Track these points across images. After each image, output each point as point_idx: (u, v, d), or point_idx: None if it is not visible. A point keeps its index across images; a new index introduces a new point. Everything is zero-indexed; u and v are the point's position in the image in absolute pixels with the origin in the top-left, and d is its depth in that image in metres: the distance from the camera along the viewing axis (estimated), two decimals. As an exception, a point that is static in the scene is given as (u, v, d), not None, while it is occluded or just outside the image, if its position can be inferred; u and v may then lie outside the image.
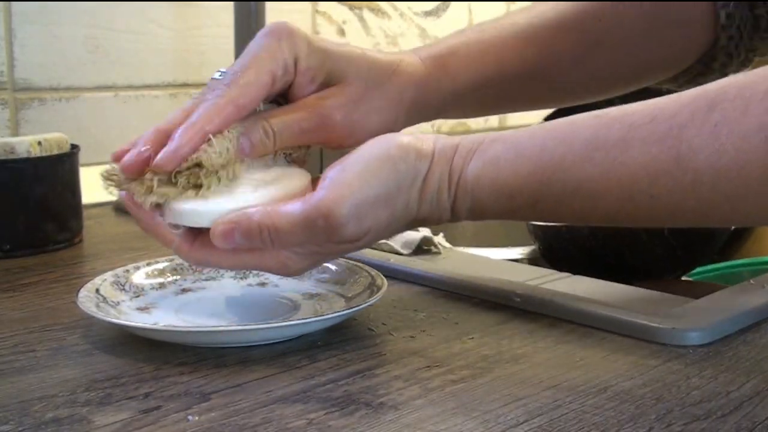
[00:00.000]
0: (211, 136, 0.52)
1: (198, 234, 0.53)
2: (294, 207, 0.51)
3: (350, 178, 0.51)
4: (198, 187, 0.52)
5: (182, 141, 0.52)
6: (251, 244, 0.51)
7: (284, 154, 0.58)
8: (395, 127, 0.61)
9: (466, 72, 0.64)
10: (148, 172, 0.52)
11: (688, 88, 0.67)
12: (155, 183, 0.52)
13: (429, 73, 0.63)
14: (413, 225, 0.55)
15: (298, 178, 0.55)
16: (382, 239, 0.55)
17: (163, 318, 0.56)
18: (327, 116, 0.57)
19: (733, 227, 0.93)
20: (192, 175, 0.52)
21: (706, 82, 0.66)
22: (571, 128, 0.51)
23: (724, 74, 0.66)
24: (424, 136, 0.54)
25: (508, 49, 0.65)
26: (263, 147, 0.55)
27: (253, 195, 0.53)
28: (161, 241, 0.55)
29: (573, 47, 0.66)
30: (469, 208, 0.53)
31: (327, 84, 0.58)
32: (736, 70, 0.66)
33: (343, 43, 0.61)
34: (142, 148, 0.52)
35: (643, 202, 0.49)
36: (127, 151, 0.53)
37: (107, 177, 0.54)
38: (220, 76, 0.55)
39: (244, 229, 0.51)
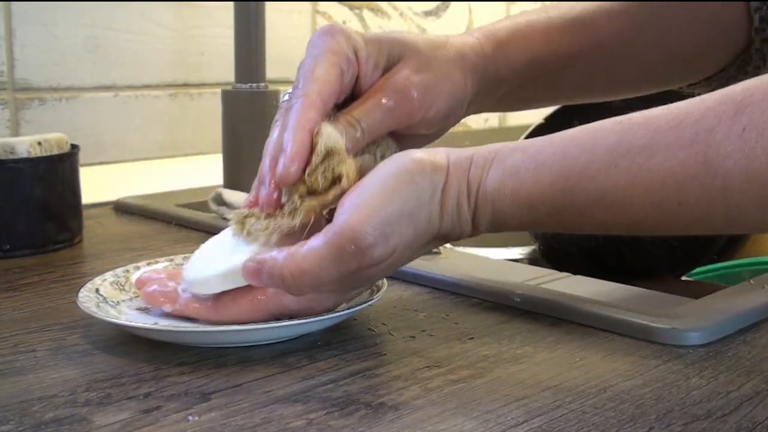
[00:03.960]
0: (320, 125, 0.52)
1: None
2: (316, 242, 0.48)
3: (369, 197, 0.49)
4: (338, 180, 0.51)
5: (294, 143, 0.51)
6: (277, 286, 0.50)
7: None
8: (466, 93, 0.61)
9: (516, 47, 0.64)
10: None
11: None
12: (297, 201, 0.52)
13: (482, 44, 0.63)
14: (436, 242, 0.53)
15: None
16: (406, 261, 0.53)
17: (163, 318, 0.56)
18: (402, 88, 0.57)
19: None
20: (327, 168, 0.52)
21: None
22: (593, 135, 0.50)
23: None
24: (436, 149, 0.53)
25: (556, 31, 0.65)
26: (354, 141, 0.54)
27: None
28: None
29: (621, 31, 0.65)
30: (490, 221, 0.52)
31: (389, 67, 0.58)
32: None
33: (390, 32, 0.62)
34: (269, 181, 0.52)
35: (671, 210, 0.48)
36: (257, 196, 0.54)
37: (244, 225, 0.54)
38: (290, 91, 0.55)
39: (269, 271, 0.49)
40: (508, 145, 0.53)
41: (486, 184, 0.52)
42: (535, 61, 0.64)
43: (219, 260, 0.53)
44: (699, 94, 0.61)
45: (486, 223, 0.53)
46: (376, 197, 0.49)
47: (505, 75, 0.64)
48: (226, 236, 0.56)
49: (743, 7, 0.64)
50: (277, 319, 0.53)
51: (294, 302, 0.51)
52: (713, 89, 0.67)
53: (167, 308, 0.54)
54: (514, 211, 0.51)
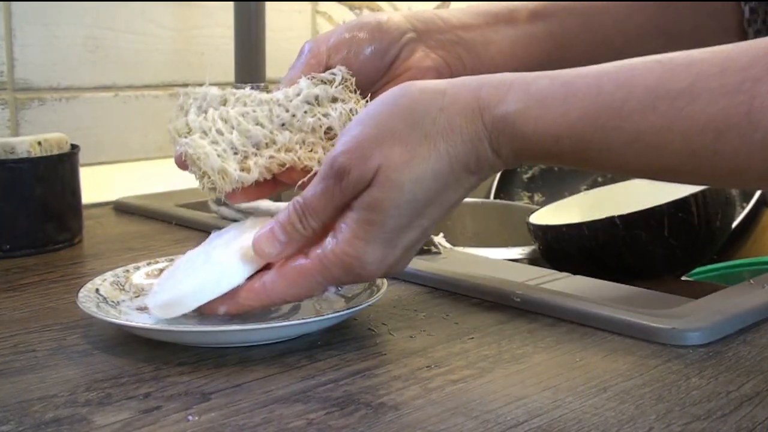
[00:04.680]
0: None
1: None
2: (316, 177, 0.51)
3: (351, 127, 0.51)
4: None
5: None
6: (295, 233, 0.51)
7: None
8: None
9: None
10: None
11: None
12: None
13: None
14: (451, 165, 0.50)
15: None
16: (422, 195, 0.50)
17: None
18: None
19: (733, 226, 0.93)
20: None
21: None
22: (632, 72, 0.47)
23: None
24: (435, 80, 0.53)
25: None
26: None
27: (228, 250, 0.54)
28: None
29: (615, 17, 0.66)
30: (511, 147, 0.50)
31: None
32: None
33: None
34: None
35: (706, 159, 0.46)
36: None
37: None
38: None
39: (280, 223, 0.51)
40: (529, 74, 0.50)
41: (506, 106, 0.49)
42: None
43: (184, 279, 0.54)
44: None
45: (508, 149, 0.50)
46: (356, 126, 0.51)
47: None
48: (180, 264, 0.57)
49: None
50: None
51: (336, 264, 0.51)
52: None
53: (221, 309, 0.53)
54: (536, 140, 0.49)
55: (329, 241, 0.51)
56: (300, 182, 0.56)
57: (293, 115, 0.58)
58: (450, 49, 0.64)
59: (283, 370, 0.50)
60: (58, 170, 0.78)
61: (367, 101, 0.58)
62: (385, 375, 0.49)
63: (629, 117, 0.46)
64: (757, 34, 0.64)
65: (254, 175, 0.56)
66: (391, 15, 0.63)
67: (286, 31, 1.26)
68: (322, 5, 1.31)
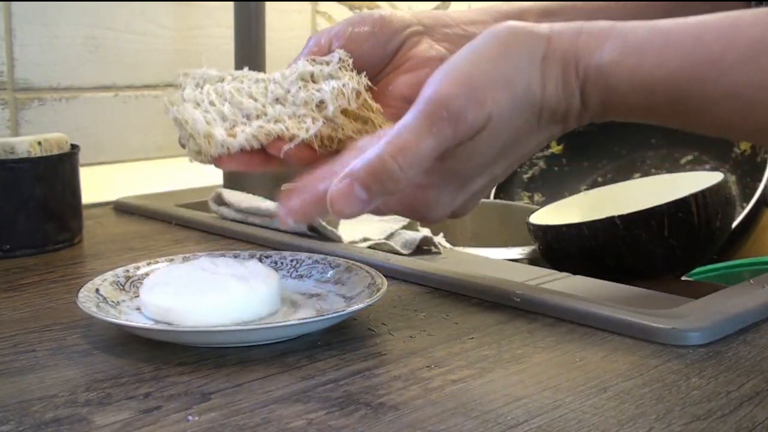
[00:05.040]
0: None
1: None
2: (406, 118, 0.46)
3: (460, 64, 0.47)
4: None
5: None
6: (380, 189, 0.45)
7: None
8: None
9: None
10: None
11: None
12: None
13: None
14: (541, 114, 0.49)
15: (272, 274, 0.57)
16: (509, 139, 0.48)
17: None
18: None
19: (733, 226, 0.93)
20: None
21: None
22: (735, 23, 0.45)
23: None
24: (537, 23, 0.51)
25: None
26: None
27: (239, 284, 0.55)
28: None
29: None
30: (600, 99, 0.48)
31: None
32: None
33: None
34: None
35: None
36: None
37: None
38: None
39: (367, 168, 0.44)
40: (629, 23, 0.48)
41: (601, 56, 0.47)
42: None
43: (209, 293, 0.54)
44: None
45: (596, 100, 0.49)
46: (465, 64, 0.47)
47: None
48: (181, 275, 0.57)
49: None
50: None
51: (400, 206, 0.48)
52: None
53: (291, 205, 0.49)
54: (629, 93, 0.47)
55: None
56: (285, 148, 0.55)
57: (288, 91, 0.58)
58: (456, 41, 0.62)
59: (283, 370, 0.50)
60: (58, 170, 0.78)
61: (363, 77, 0.59)
62: (385, 375, 0.49)
63: (728, 70, 0.45)
64: None
65: (240, 140, 0.55)
66: (396, 11, 0.63)
67: (286, 31, 1.26)
68: (322, 5, 1.31)
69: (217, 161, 0.56)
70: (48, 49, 1.04)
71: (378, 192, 0.45)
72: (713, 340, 0.54)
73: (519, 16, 0.65)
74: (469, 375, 0.49)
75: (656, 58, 0.46)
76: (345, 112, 0.57)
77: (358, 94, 0.58)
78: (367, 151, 0.46)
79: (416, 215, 0.49)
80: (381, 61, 0.62)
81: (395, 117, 0.52)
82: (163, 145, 1.15)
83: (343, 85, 0.58)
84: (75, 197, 0.81)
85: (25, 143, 0.76)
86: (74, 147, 0.81)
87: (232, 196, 0.85)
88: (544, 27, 0.50)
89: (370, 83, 0.59)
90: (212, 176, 0.99)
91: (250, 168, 0.56)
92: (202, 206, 0.91)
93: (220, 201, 0.86)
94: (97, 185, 0.97)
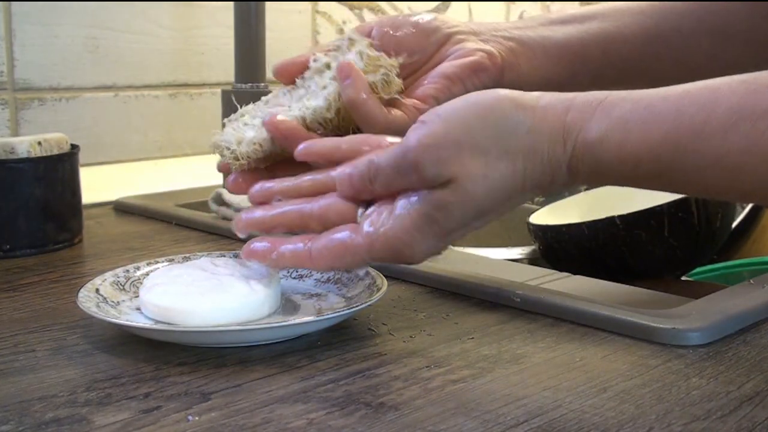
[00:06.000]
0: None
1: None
2: (387, 149, 0.51)
3: (435, 119, 0.50)
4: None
5: None
6: (363, 190, 0.52)
7: None
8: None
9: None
10: None
11: None
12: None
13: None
14: (524, 184, 0.51)
15: (272, 274, 0.58)
16: (489, 205, 0.51)
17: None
18: None
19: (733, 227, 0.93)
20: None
21: None
22: (714, 93, 0.46)
23: None
24: (531, 92, 0.52)
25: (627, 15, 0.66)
26: None
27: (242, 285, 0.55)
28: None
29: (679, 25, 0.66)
30: (589, 171, 0.50)
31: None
32: None
33: None
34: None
35: None
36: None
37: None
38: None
39: (353, 175, 0.52)
40: (614, 93, 0.50)
41: (588, 131, 0.49)
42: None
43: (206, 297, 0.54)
44: None
45: (585, 172, 0.50)
46: (439, 121, 0.50)
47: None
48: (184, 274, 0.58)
49: None
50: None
51: (386, 247, 0.51)
52: None
53: (260, 260, 0.54)
54: (616, 165, 0.49)
55: (384, 221, 0.51)
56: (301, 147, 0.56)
57: (308, 87, 0.61)
58: (502, 42, 0.64)
59: (283, 370, 0.50)
60: (58, 170, 0.78)
61: (371, 43, 0.61)
62: (385, 375, 0.49)
63: (710, 139, 0.46)
64: None
65: (263, 134, 0.58)
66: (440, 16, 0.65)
67: (286, 31, 1.26)
68: (322, 5, 1.31)
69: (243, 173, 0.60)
70: (48, 49, 1.04)
71: (360, 188, 0.52)
72: (713, 340, 0.54)
73: (563, 19, 0.66)
74: (469, 375, 0.49)
75: (641, 132, 0.48)
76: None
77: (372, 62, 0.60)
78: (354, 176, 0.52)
79: (399, 257, 0.52)
80: (423, 51, 0.63)
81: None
82: (163, 145, 1.15)
83: (360, 53, 0.59)
84: (75, 197, 0.81)
85: (25, 143, 0.76)
86: (74, 147, 0.81)
87: (232, 196, 0.85)
88: (533, 97, 0.51)
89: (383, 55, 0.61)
90: (212, 176, 0.99)
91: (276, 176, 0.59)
92: (202, 206, 0.91)
93: (220, 201, 0.86)
94: (97, 185, 0.98)
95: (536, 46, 0.65)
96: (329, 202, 0.53)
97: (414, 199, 0.50)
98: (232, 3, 0.96)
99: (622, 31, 0.66)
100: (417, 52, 0.63)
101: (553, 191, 0.53)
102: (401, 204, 0.51)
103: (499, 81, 0.63)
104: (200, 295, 0.54)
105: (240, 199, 0.84)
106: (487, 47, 0.63)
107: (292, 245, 0.53)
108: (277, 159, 0.60)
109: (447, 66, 0.63)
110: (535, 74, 0.65)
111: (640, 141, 0.48)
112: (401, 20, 0.63)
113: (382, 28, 0.63)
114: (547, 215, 0.93)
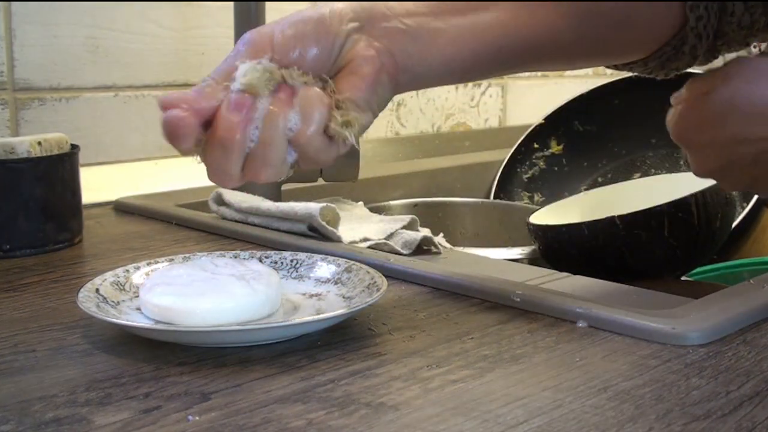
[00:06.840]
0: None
1: None
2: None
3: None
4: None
5: None
6: None
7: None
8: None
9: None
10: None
11: (657, 72, 0.66)
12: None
13: None
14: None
15: (272, 275, 0.58)
16: None
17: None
18: None
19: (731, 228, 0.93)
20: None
21: (676, 66, 0.64)
22: None
23: (694, 58, 0.64)
24: None
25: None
26: None
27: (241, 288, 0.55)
28: None
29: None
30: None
31: None
32: (705, 56, 0.65)
33: None
34: None
35: None
36: None
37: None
38: None
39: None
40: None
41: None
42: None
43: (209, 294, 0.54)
44: (645, 76, 0.62)
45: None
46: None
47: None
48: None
49: None
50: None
51: None
52: (651, 72, 0.67)
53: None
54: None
55: None
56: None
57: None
58: (395, 36, 0.61)
59: (283, 370, 0.50)
60: (58, 170, 0.78)
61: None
62: (385, 375, 0.49)
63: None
64: (698, 20, 0.62)
65: None
66: (334, 5, 0.61)
67: (286, 31, 1.26)
68: (321, 5, 1.31)
69: None
70: (48, 49, 1.04)
71: None
72: (713, 340, 0.54)
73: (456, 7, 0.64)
74: (469, 375, 0.49)
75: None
76: None
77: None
78: None
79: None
80: (324, 69, 0.59)
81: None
82: (163, 145, 1.14)
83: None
84: (75, 197, 0.81)
85: (25, 143, 0.76)
86: (74, 147, 0.81)
87: (232, 196, 0.85)
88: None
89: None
90: (212, 176, 0.99)
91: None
92: (202, 206, 0.91)
93: (220, 201, 0.86)
94: (97, 185, 0.98)
95: (429, 40, 0.62)
96: None
97: None
98: (232, 3, 0.96)
99: (515, 21, 0.64)
100: (321, 70, 0.59)
101: None
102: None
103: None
104: (200, 295, 0.54)
105: (240, 199, 0.84)
106: (381, 47, 0.60)
107: None
108: None
109: (348, 89, 0.59)
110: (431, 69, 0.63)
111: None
112: (300, 31, 0.59)
113: (283, 47, 0.58)
114: (547, 215, 0.93)
